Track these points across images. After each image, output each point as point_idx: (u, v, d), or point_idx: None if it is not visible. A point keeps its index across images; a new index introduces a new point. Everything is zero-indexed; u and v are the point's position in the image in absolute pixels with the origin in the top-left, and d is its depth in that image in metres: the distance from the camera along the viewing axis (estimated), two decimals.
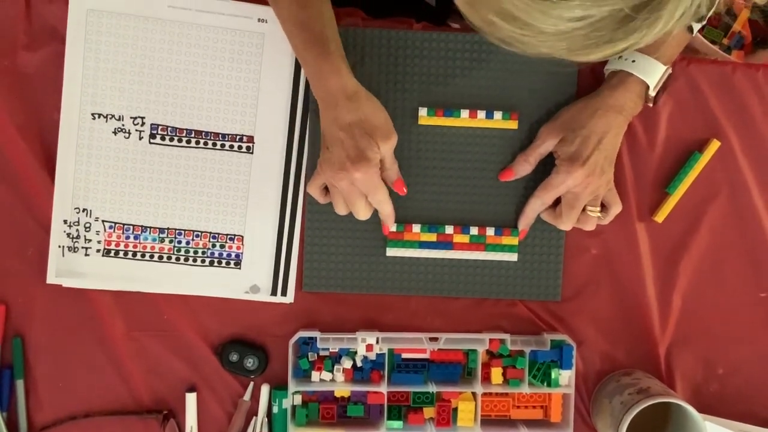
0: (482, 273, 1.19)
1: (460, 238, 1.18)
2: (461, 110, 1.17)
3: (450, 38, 1.16)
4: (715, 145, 1.19)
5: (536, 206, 1.15)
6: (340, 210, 1.11)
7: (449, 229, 1.18)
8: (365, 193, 1.07)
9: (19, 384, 1.16)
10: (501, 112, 1.17)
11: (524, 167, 1.16)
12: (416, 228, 1.17)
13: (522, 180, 1.17)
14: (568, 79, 1.17)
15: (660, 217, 1.19)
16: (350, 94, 1.04)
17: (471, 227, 1.18)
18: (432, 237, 1.18)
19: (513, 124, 1.17)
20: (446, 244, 1.18)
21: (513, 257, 1.18)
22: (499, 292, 1.19)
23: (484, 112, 1.17)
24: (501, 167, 1.17)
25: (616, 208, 1.15)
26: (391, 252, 1.18)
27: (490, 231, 1.18)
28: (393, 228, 1.15)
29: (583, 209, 1.13)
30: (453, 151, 1.18)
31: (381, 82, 1.16)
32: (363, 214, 1.10)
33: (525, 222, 1.17)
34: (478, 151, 1.18)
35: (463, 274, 1.19)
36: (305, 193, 1.17)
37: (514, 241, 1.18)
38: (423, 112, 1.17)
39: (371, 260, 1.18)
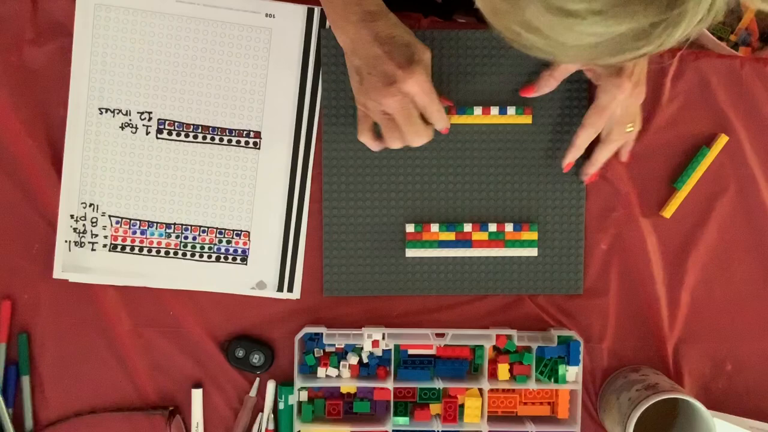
0: (503, 270, 1.19)
1: (479, 236, 1.17)
2: (474, 107, 1.16)
3: (460, 36, 1.16)
4: (723, 140, 1.18)
5: (589, 134, 1.12)
6: (396, 142, 1.07)
7: (468, 227, 1.17)
8: (421, 106, 1.04)
9: (25, 380, 1.16)
10: (515, 108, 1.16)
11: (549, 83, 1.13)
12: (434, 227, 1.17)
13: (541, 174, 1.17)
14: (579, 72, 1.16)
15: (668, 212, 1.19)
16: (384, 10, 1.03)
17: (489, 224, 1.18)
18: (451, 236, 1.17)
19: (527, 119, 1.17)
20: (465, 242, 1.17)
21: (533, 252, 1.18)
22: (521, 288, 1.19)
23: (498, 108, 1.16)
24: (517, 162, 1.17)
25: (638, 126, 1.14)
26: (410, 253, 1.17)
27: (508, 227, 1.17)
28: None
29: None
30: (468, 148, 1.17)
31: None
32: (424, 134, 1.06)
33: (574, 153, 1.14)
34: (493, 147, 1.17)
35: (483, 272, 1.18)
36: (312, 189, 1.17)
37: (533, 236, 1.18)
38: None
39: (391, 262, 1.18)
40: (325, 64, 1.15)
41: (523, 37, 0.68)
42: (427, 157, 1.17)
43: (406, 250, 1.17)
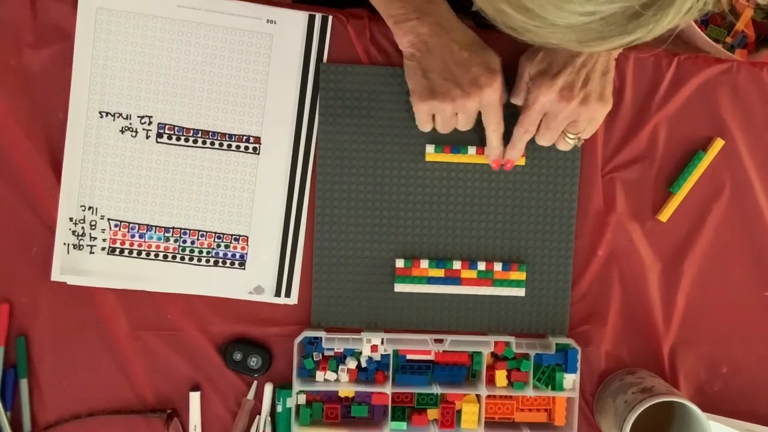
0: (489, 308, 1.19)
1: (468, 274, 1.18)
2: (468, 147, 1.17)
3: None
4: (719, 144, 1.19)
5: (519, 134, 1.12)
6: (446, 130, 1.12)
7: (457, 265, 1.18)
8: (492, 112, 1.08)
9: (23, 383, 1.15)
10: None
11: (516, 101, 1.13)
12: (424, 263, 1.18)
13: (532, 215, 1.18)
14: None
15: (664, 216, 1.19)
16: (455, 16, 1.06)
17: (479, 262, 1.18)
18: (440, 272, 1.18)
19: (521, 161, 1.17)
20: (454, 279, 1.18)
21: (520, 292, 1.19)
22: (507, 327, 1.20)
23: None
24: (509, 203, 1.18)
25: (586, 135, 1.13)
26: (399, 288, 1.18)
27: (497, 266, 1.18)
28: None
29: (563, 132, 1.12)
30: (460, 187, 1.18)
31: (388, 120, 1.17)
32: (472, 123, 1.11)
33: (512, 152, 1.14)
34: (485, 186, 1.18)
35: (471, 309, 1.19)
36: (311, 195, 1.17)
37: (521, 276, 1.18)
38: (430, 149, 1.17)
39: (379, 296, 1.19)
40: (322, 107, 1.16)
41: (512, 18, 0.68)
42: (419, 194, 1.18)
43: (395, 284, 1.18)
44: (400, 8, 1.06)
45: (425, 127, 1.13)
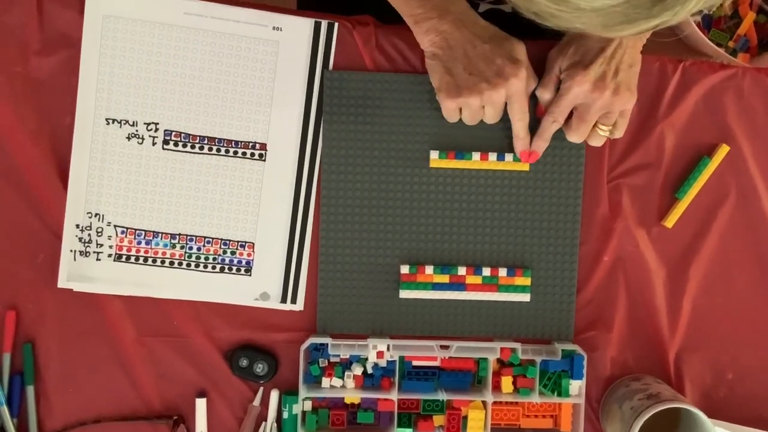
0: (495, 314, 1.19)
1: (473, 279, 1.18)
2: (472, 153, 1.17)
3: None
4: (724, 150, 1.19)
5: (547, 123, 1.13)
6: (473, 122, 1.12)
7: (462, 270, 1.18)
8: (518, 102, 1.09)
9: (30, 390, 1.15)
10: (512, 155, 1.17)
11: (543, 94, 1.14)
12: (429, 269, 1.18)
13: (536, 221, 1.18)
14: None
15: (670, 222, 1.19)
16: (473, 11, 1.07)
17: (483, 268, 1.18)
18: (445, 278, 1.18)
19: (525, 167, 1.17)
20: (459, 285, 1.18)
21: (526, 298, 1.19)
22: (512, 332, 1.20)
23: (496, 154, 1.17)
24: (513, 208, 1.18)
25: (618, 134, 1.14)
26: (404, 294, 1.18)
27: (502, 272, 1.18)
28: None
29: (595, 125, 1.12)
30: (465, 193, 1.18)
31: (393, 126, 1.17)
32: (500, 115, 1.11)
33: (539, 143, 1.15)
34: (490, 192, 1.18)
35: (476, 315, 1.19)
36: (317, 201, 1.17)
37: (526, 281, 1.18)
38: (434, 155, 1.17)
39: (385, 302, 1.19)
40: (327, 113, 1.16)
41: (537, 3, 0.68)
42: (424, 200, 1.18)
43: (400, 291, 1.18)
44: (419, 7, 1.07)
45: (452, 119, 1.13)
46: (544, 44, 1.13)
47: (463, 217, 1.18)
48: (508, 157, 1.17)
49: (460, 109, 1.11)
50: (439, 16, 1.06)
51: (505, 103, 1.10)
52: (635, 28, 0.68)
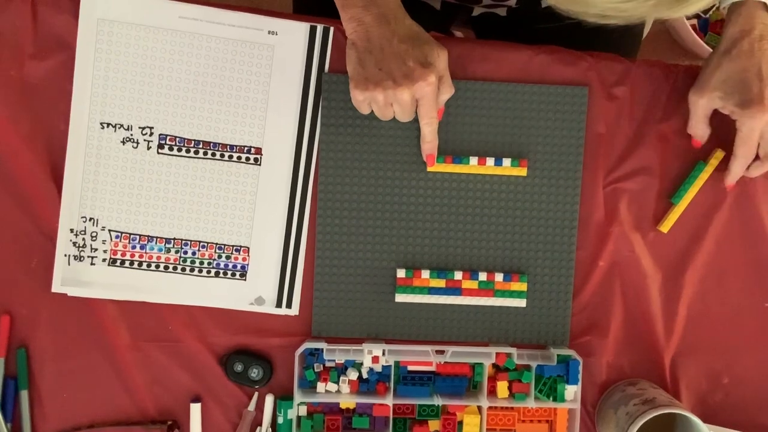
0: (490, 319, 1.19)
1: (469, 284, 1.18)
2: (470, 157, 1.17)
3: (459, 86, 1.16)
4: (719, 155, 1.19)
5: (741, 163, 1.15)
6: (385, 119, 1.12)
7: (458, 275, 1.18)
8: (422, 105, 1.08)
9: (24, 395, 1.15)
10: (510, 160, 1.17)
11: (700, 129, 1.17)
12: (425, 274, 1.18)
13: (533, 226, 1.19)
14: (576, 126, 1.18)
15: (665, 227, 1.19)
16: (402, 9, 1.07)
17: (480, 273, 1.18)
18: (441, 283, 1.18)
19: (522, 171, 1.18)
20: (455, 289, 1.18)
21: (522, 303, 1.19)
22: (508, 337, 1.20)
23: (493, 159, 1.17)
24: (510, 213, 1.18)
25: None
26: (400, 298, 1.18)
27: (498, 277, 1.18)
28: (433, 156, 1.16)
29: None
30: (462, 197, 1.18)
31: (389, 130, 1.17)
32: (410, 117, 1.11)
33: (731, 179, 1.17)
34: (487, 197, 1.18)
35: (472, 320, 1.19)
36: (312, 206, 1.17)
37: (522, 287, 1.18)
38: None
39: (380, 306, 1.19)
40: (324, 116, 1.16)
41: (594, 5, 0.68)
42: (420, 204, 1.18)
43: (396, 295, 1.18)
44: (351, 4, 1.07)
45: (362, 111, 1.12)
46: (534, 50, 1.13)
47: (460, 222, 1.18)
48: (506, 162, 1.17)
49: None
50: (364, 7, 1.06)
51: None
52: (687, 9, 0.69)
